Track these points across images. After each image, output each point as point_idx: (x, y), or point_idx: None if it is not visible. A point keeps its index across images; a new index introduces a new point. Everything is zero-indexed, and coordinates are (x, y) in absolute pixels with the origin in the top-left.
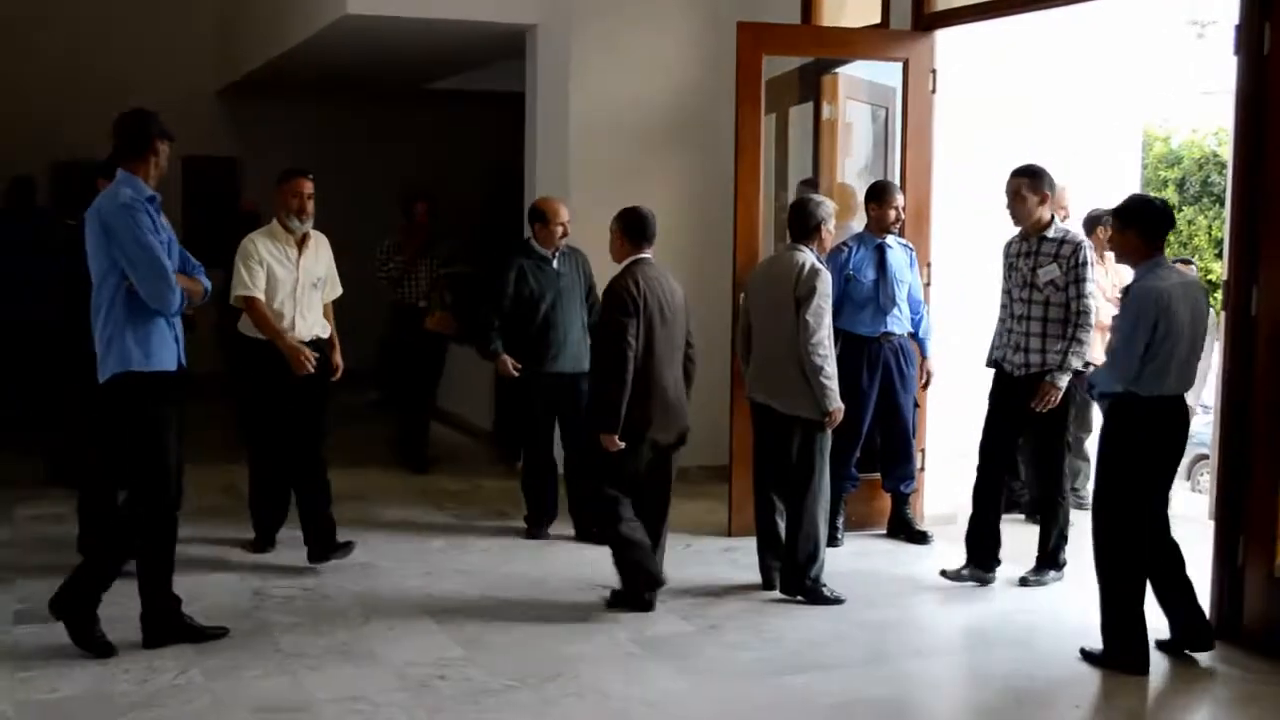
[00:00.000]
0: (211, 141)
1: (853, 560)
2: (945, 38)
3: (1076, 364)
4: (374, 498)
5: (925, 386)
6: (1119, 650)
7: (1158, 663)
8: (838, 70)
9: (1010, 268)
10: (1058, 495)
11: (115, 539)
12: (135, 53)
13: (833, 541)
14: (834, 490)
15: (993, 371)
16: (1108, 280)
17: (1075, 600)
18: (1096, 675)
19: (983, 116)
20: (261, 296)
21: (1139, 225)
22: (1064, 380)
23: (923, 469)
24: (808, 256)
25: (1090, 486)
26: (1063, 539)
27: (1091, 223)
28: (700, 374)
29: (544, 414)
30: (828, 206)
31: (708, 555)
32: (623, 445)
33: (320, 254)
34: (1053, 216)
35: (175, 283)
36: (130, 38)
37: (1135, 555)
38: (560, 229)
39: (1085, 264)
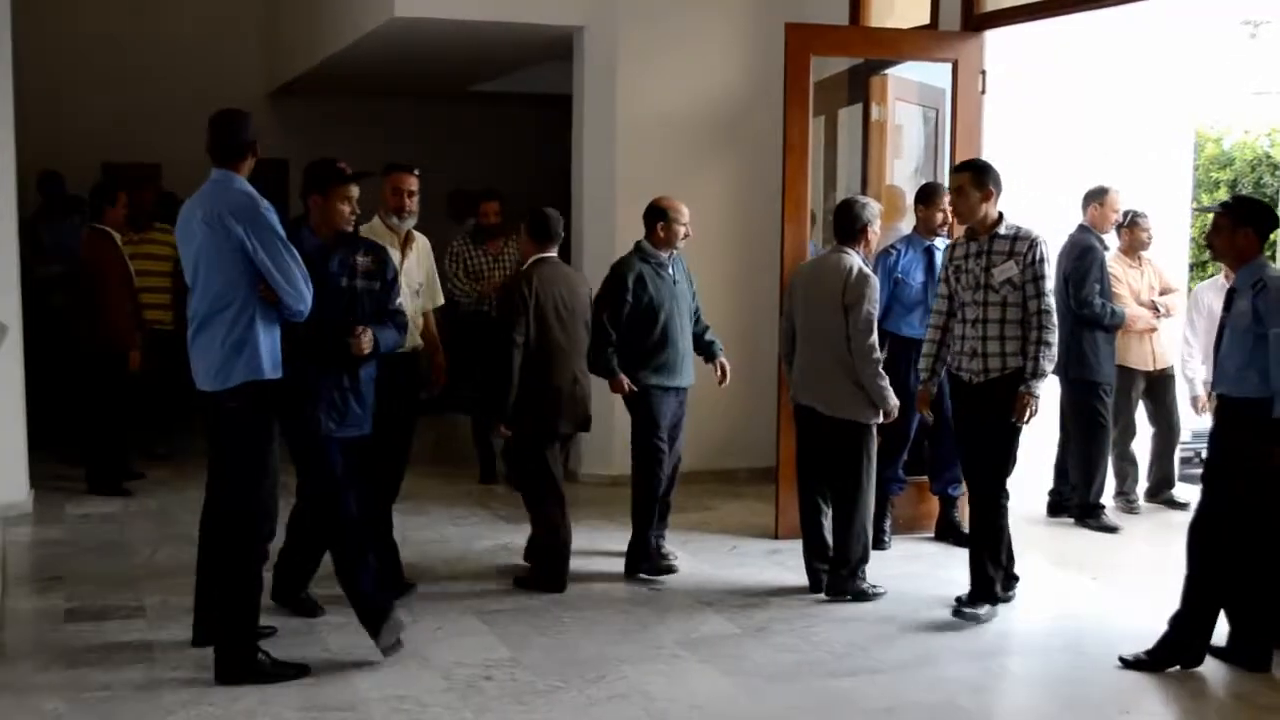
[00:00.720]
0: (261, 144)
1: (900, 563)
2: (995, 38)
3: (1049, 369)
4: (421, 497)
5: None
6: (1179, 644)
7: (1210, 669)
8: (887, 71)
9: (957, 270)
10: (996, 517)
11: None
12: (185, 55)
13: (880, 544)
14: (881, 493)
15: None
16: (1143, 281)
17: (1123, 605)
18: (1145, 680)
19: (1032, 118)
20: None
21: (1256, 224)
22: (1040, 388)
23: None
24: (854, 260)
25: (1140, 489)
26: (997, 566)
27: (1127, 218)
28: (746, 376)
29: (669, 435)
30: (873, 208)
31: (753, 557)
32: (509, 433)
33: (422, 258)
34: (1001, 214)
35: (310, 283)
36: (180, 40)
37: (1240, 558)
38: (684, 229)
39: (1043, 261)
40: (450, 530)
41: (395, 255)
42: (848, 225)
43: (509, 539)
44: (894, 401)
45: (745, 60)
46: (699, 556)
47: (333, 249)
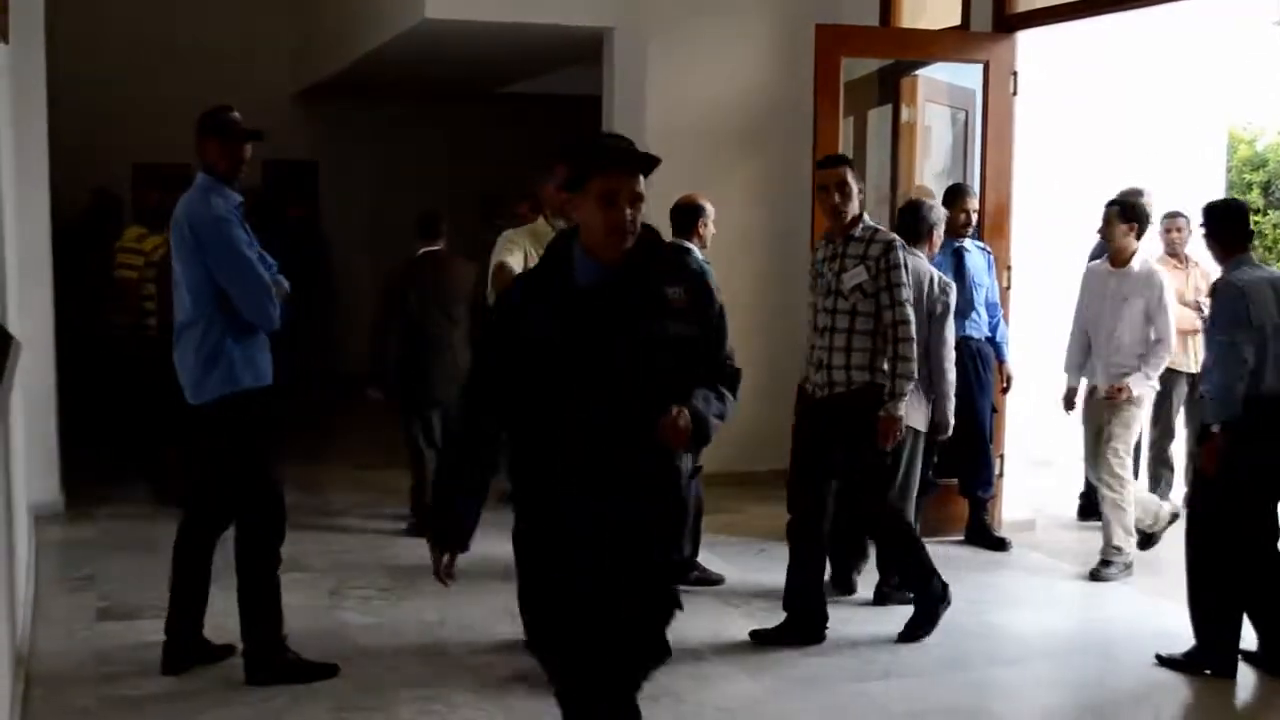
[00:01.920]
0: (290, 145)
1: None
2: (1026, 39)
3: (909, 387)
4: None
5: (1005, 391)
6: (1207, 651)
7: (1243, 675)
8: (917, 72)
9: (816, 275)
10: (896, 532)
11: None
12: (214, 55)
13: None
14: None
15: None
16: (1188, 283)
17: (1153, 608)
18: (1176, 684)
19: (1064, 119)
20: (518, 267)
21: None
22: (902, 408)
23: (1001, 475)
24: (925, 263)
25: (1173, 493)
26: (925, 573)
27: (1168, 219)
28: (770, 378)
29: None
30: (940, 210)
31: (781, 560)
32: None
33: None
34: (861, 214)
35: (275, 296)
36: (209, 40)
37: (1236, 561)
38: (713, 228)
39: (897, 266)
40: (479, 531)
41: None
42: (915, 226)
43: None
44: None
45: (775, 61)
46: (726, 559)
47: (628, 281)
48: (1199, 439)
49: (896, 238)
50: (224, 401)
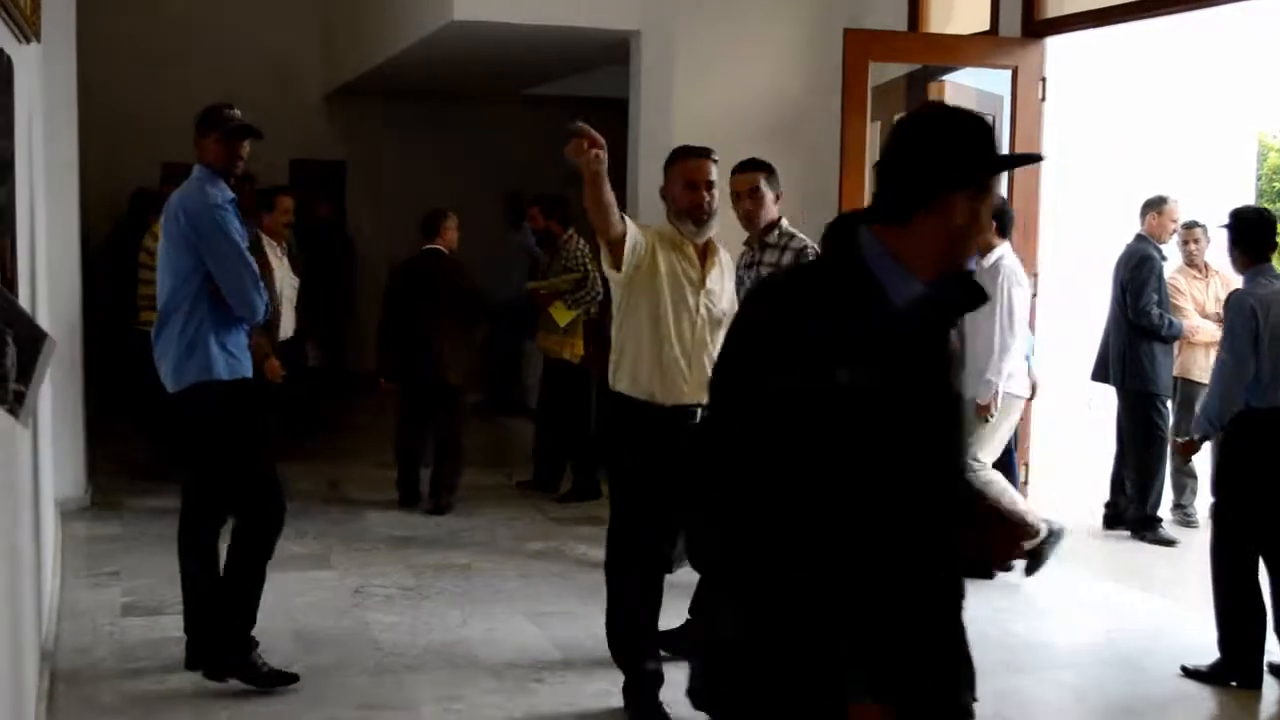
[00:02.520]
0: (319, 145)
1: None
2: (1055, 45)
3: None
4: (472, 498)
5: (1031, 398)
6: (1232, 663)
7: (1268, 687)
8: (945, 78)
9: (739, 284)
10: None
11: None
12: (243, 56)
13: None
14: None
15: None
16: (1208, 293)
17: (1179, 619)
18: (1202, 695)
19: (1092, 126)
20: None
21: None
22: None
23: (1025, 482)
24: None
25: (1198, 501)
26: None
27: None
28: None
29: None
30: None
31: None
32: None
33: (726, 279)
34: (779, 219)
35: (264, 290)
36: (238, 42)
37: (1256, 572)
38: None
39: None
40: (502, 531)
41: (694, 272)
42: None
43: (559, 542)
44: None
45: (802, 66)
46: None
47: (949, 308)
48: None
49: (810, 244)
50: (198, 389)
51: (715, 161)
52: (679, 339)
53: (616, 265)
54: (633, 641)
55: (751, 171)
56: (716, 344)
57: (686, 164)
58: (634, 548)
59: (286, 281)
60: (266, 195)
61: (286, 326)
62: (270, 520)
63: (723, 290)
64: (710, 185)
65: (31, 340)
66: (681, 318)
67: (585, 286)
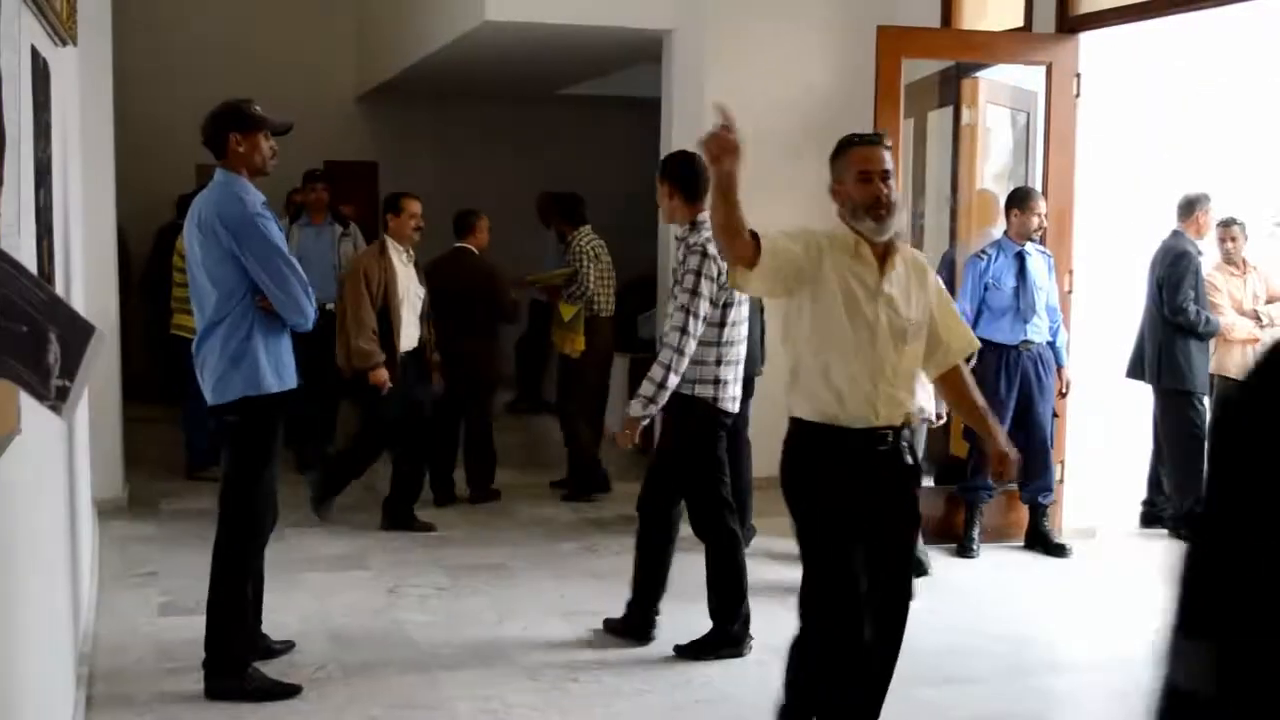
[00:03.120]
0: (352, 146)
1: (989, 572)
2: (1090, 40)
3: (649, 391)
4: (505, 498)
5: (1064, 395)
6: None
7: None
8: (978, 74)
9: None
10: (653, 538)
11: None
12: (276, 58)
13: (968, 552)
14: (970, 500)
15: None
16: (1246, 290)
17: None
18: None
19: (1128, 122)
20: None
21: None
22: (639, 409)
23: (1061, 481)
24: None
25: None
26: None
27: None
28: None
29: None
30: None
31: None
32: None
33: (915, 284)
34: (697, 218)
35: (313, 295)
36: (273, 43)
37: None
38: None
39: (691, 273)
40: (535, 531)
41: (871, 277)
42: None
43: (593, 541)
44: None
45: (835, 63)
46: (784, 561)
47: None
48: None
49: (694, 242)
50: (246, 403)
51: (889, 148)
52: (857, 354)
53: (756, 289)
54: (814, 687)
55: (657, 175)
56: (906, 358)
57: (858, 152)
58: (827, 593)
59: (411, 289)
60: (394, 198)
61: (410, 336)
62: (256, 539)
63: (911, 297)
64: (887, 175)
65: (78, 336)
66: (860, 330)
67: (575, 282)
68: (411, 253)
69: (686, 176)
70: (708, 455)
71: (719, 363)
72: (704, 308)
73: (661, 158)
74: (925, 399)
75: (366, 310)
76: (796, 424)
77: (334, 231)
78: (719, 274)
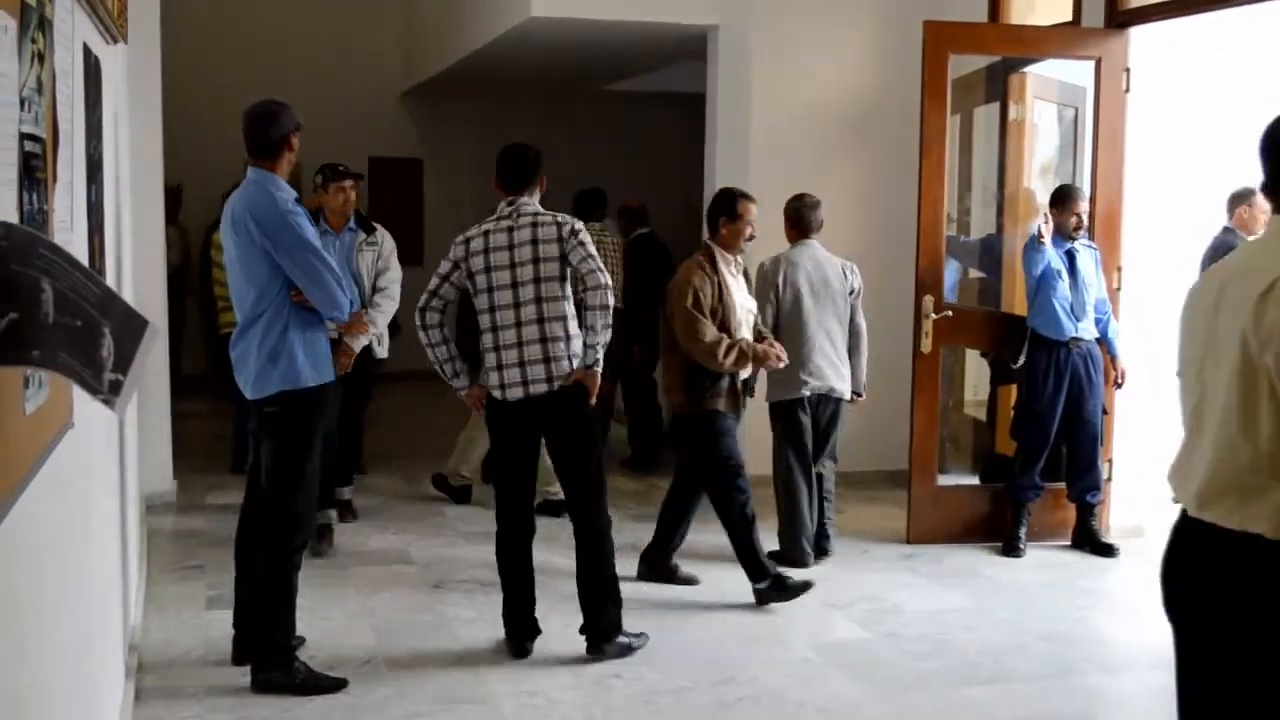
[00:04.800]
0: (397, 142)
1: (1035, 571)
2: (1140, 35)
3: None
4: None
5: (1119, 386)
6: None
7: None
8: (1026, 69)
9: None
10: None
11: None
12: (322, 55)
13: (1014, 551)
14: (1017, 499)
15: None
16: None
17: None
18: None
19: (1178, 117)
20: None
21: None
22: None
23: (1109, 480)
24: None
25: None
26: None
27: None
28: (878, 380)
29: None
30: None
31: (886, 562)
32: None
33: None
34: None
35: (347, 286)
36: (318, 41)
37: None
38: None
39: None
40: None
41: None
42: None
43: (637, 539)
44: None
45: (881, 59)
46: (830, 560)
47: None
48: None
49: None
50: (283, 397)
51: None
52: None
53: None
54: None
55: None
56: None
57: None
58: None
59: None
60: (729, 199)
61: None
62: (300, 533)
63: None
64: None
65: (133, 330)
66: None
67: None
68: (741, 262)
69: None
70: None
71: None
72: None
73: (708, 157)
74: (838, 379)
75: (708, 327)
76: None
77: (355, 239)
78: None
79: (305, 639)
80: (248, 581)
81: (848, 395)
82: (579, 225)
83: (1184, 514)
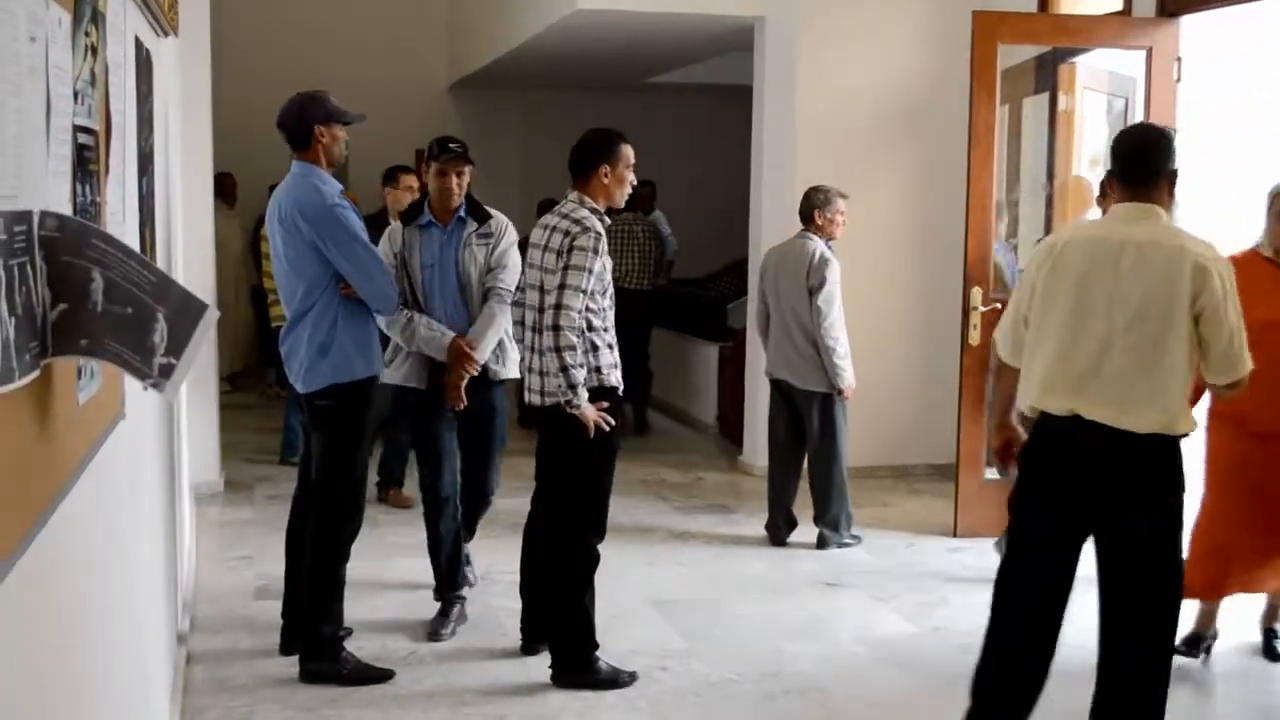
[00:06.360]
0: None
1: (1081, 564)
2: (1192, 24)
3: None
4: None
5: None
6: None
7: None
8: (1075, 59)
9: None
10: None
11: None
12: (369, 49)
13: None
14: None
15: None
16: None
17: None
18: None
19: (1229, 108)
20: None
21: None
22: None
23: None
24: (818, 244)
25: None
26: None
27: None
28: (925, 371)
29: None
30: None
31: (932, 555)
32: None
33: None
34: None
35: (394, 280)
36: (367, 35)
37: None
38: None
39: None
40: (624, 519)
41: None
42: (802, 212)
43: (683, 529)
44: (848, 381)
45: (928, 49)
46: (876, 553)
47: None
48: None
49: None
50: (335, 390)
51: None
52: None
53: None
54: None
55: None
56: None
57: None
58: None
59: None
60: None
61: None
62: (349, 524)
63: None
64: None
65: (190, 315)
66: None
67: None
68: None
69: None
70: None
71: None
72: None
73: (755, 149)
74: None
75: None
76: None
77: (464, 232)
78: None
79: (352, 629)
80: (298, 572)
81: (806, 387)
82: (556, 238)
83: (1077, 417)
